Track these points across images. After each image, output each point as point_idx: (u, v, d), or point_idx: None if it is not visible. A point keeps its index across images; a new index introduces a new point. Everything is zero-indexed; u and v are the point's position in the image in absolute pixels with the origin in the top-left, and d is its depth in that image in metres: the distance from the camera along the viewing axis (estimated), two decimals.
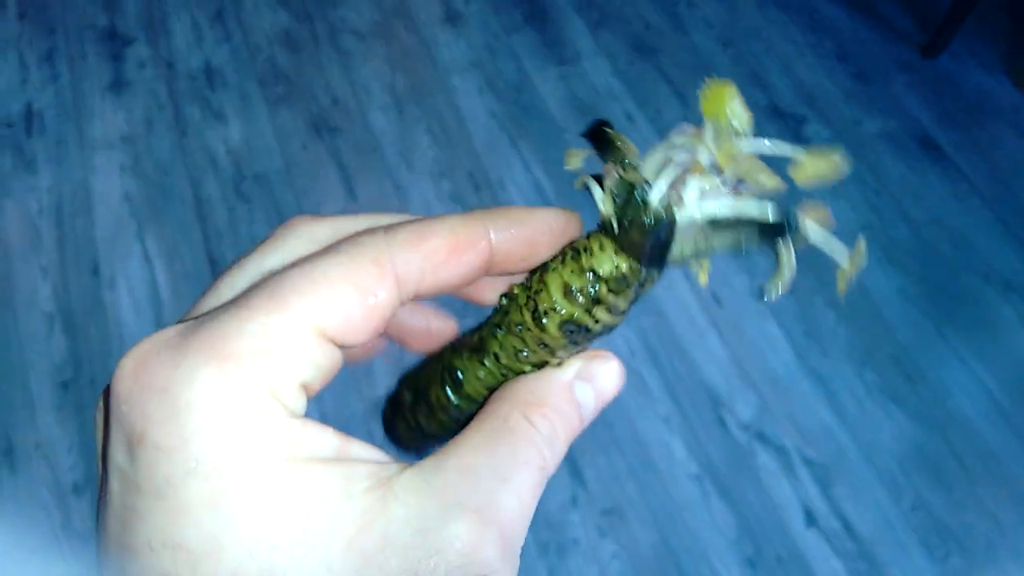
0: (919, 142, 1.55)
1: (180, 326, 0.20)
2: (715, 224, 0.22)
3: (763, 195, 0.22)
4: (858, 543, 1.14)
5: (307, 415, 0.20)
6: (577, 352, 0.25)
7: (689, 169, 0.21)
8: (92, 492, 1.15)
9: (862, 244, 0.22)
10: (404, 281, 0.22)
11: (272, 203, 1.44)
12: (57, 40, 1.67)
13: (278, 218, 1.41)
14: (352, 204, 1.44)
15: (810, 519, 1.16)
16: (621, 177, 0.22)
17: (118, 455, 0.19)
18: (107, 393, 0.20)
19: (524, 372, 0.24)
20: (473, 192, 1.46)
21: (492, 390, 0.25)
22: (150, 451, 0.18)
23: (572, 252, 0.24)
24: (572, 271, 0.23)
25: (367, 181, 1.47)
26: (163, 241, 1.39)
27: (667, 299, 1.33)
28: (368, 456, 0.20)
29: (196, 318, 0.20)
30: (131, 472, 0.18)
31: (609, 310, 0.23)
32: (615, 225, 0.22)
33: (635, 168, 0.22)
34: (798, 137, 1.54)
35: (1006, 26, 1.72)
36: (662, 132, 0.24)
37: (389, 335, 0.28)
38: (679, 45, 1.68)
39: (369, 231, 0.22)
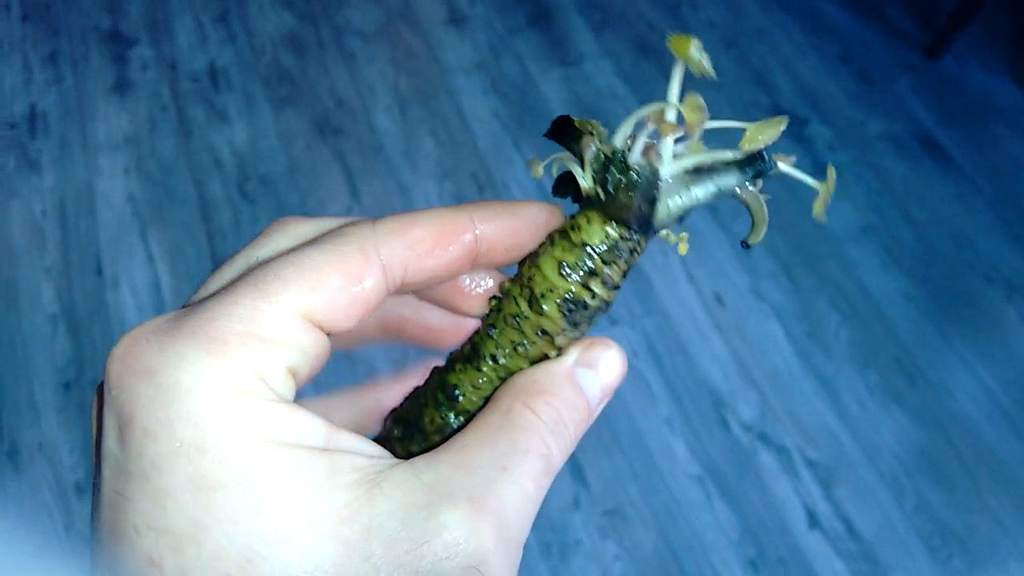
0: (922, 143, 1.55)
1: (170, 314, 0.20)
2: (694, 173, 0.23)
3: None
4: (860, 544, 1.14)
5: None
6: (575, 339, 0.25)
7: (660, 129, 0.22)
8: None
9: (832, 171, 0.23)
10: (390, 269, 0.22)
11: (276, 204, 1.44)
12: (61, 42, 1.67)
13: None
14: (356, 205, 1.44)
15: (812, 520, 1.16)
16: (597, 149, 0.23)
17: (109, 440, 0.19)
18: (101, 386, 0.20)
19: (523, 369, 0.24)
20: (477, 193, 1.46)
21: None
22: (138, 434, 0.18)
23: (560, 233, 0.24)
24: (563, 249, 0.24)
25: (371, 182, 1.48)
26: (167, 242, 1.39)
27: (669, 300, 1.33)
28: (358, 448, 0.20)
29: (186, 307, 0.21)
30: (121, 456, 0.18)
31: (604, 283, 0.24)
32: (601, 194, 0.23)
33: (608, 141, 0.23)
34: (800, 138, 1.54)
35: (1009, 27, 1.72)
36: None
37: (392, 333, 0.28)
38: None
39: (356, 222, 0.23)
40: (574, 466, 1.19)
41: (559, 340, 0.24)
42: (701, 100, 0.21)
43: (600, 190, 0.23)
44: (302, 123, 1.55)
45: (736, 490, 1.18)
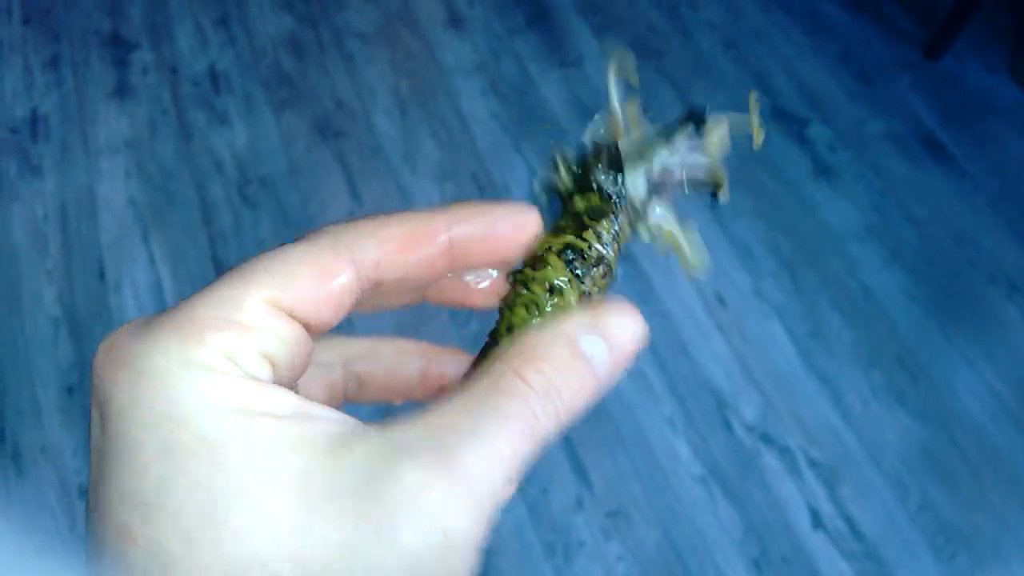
0: (923, 142, 1.55)
1: (155, 313, 0.21)
2: (648, 142, 0.27)
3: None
4: (864, 544, 1.14)
5: None
6: (590, 302, 0.25)
7: (613, 136, 0.27)
8: None
9: (753, 96, 0.27)
10: (362, 266, 0.23)
11: (277, 206, 1.44)
12: (61, 46, 1.67)
13: (283, 221, 1.42)
14: (357, 206, 1.44)
15: (816, 520, 1.16)
16: (565, 160, 0.28)
17: (94, 429, 0.19)
18: None
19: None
20: (477, 194, 1.46)
21: None
22: (114, 415, 0.19)
23: (552, 228, 0.27)
24: (557, 224, 0.26)
25: (371, 184, 1.48)
26: (168, 245, 1.40)
27: (671, 300, 1.33)
28: (330, 416, 0.20)
29: None
30: (100, 439, 0.19)
31: (598, 236, 0.26)
32: (576, 180, 0.27)
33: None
34: (801, 138, 1.54)
35: (1009, 25, 1.72)
36: None
37: (435, 299, 0.28)
38: (682, 47, 1.68)
39: (333, 224, 0.23)
40: (577, 467, 1.19)
41: (571, 297, 0.25)
42: (640, 112, 0.27)
43: (574, 180, 0.27)
44: (302, 125, 1.55)
45: (739, 490, 1.18)
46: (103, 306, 1.32)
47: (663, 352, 1.29)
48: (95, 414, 0.19)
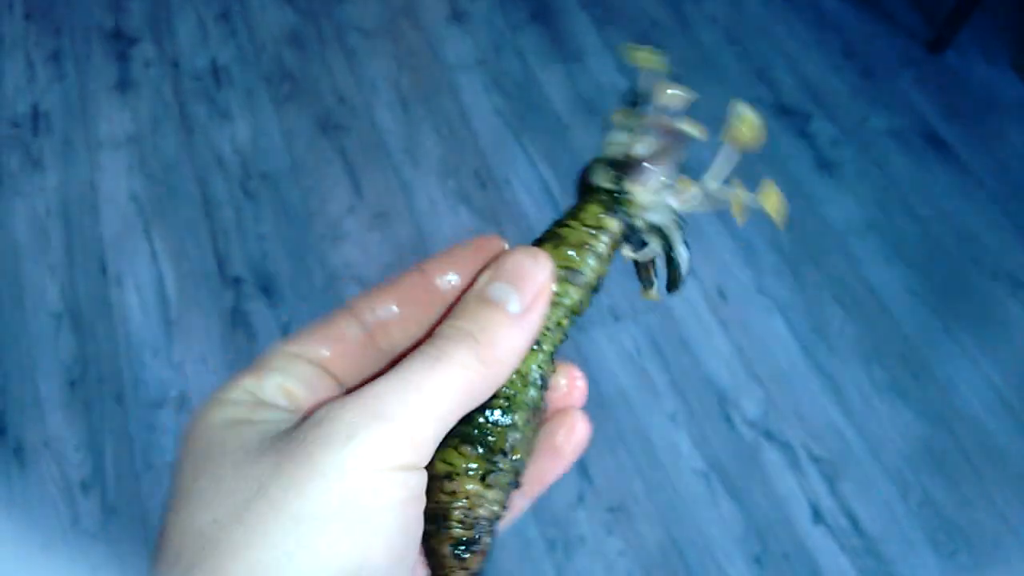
0: (925, 138, 1.55)
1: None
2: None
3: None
4: (865, 540, 1.14)
5: None
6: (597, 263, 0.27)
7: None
8: (100, 490, 1.16)
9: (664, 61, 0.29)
10: (366, 323, 0.26)
11: (279, 201, 1.44)
12: (63, 40, 1.67)
13: (285, 216, 1.42)
14: (358, 201, 1.44)
15: (817, 516, 1.16)
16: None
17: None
18: None
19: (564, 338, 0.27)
20: (479, 189, 1.46)
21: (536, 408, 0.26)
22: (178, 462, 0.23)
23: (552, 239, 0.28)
24: (557, 236, 0.28)
25: (373, 179, 1.48)
26: (170, 240, 1.40)
27: (673, 297, 1.33)
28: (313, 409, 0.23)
29: None
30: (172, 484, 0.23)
31: (596, 254, 0.28)
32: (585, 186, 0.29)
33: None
34: (804, 134, 1.54)
35: (1012, 20, 1.71)
36: None
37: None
38: (685, 42, 1.68)
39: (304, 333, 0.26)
40: (579, 463, 1.19)
41: (590, 260, 0.27)
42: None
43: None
44: (304, 120, 1.55)
45: (740, 486, 1.18)
46: (105, 301, 1.32)
47: (664, 348, 1.29)
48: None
